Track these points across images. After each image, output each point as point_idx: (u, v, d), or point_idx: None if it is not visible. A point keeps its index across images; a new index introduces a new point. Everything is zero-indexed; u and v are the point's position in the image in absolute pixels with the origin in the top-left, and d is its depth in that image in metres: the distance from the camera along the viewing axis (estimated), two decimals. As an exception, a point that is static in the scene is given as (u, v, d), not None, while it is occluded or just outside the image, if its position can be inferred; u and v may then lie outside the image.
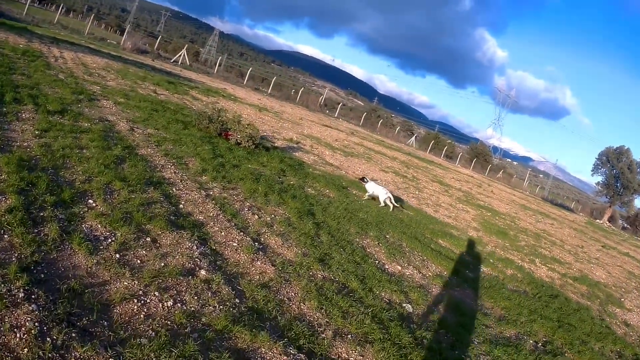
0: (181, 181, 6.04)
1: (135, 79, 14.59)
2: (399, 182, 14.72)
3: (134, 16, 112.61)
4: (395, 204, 9.68)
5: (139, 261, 3.66)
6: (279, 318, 3.59)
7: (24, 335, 2.49)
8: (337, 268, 5.04)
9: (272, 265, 4.50)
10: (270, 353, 3.12)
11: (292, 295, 4.07)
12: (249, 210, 5.92)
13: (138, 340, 2.77)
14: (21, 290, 2.81)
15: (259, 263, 4.45)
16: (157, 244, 4.06)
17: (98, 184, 4.79)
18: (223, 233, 4.85)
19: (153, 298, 3.23)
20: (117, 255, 3.61)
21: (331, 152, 15.04)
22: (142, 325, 2.93)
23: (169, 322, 3.05)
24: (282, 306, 3.81)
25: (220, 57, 49.89)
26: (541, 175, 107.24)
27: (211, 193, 6.01)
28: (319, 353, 3.37)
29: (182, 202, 5.31)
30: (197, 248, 4.22)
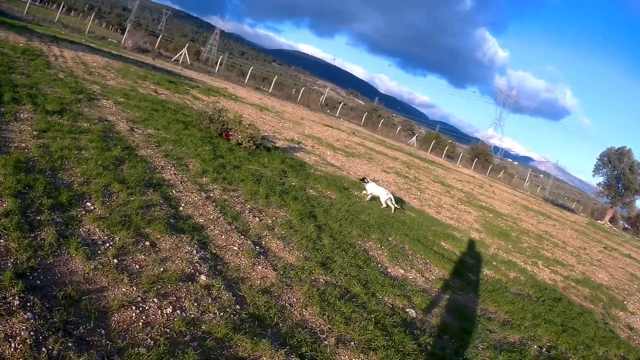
0: (181, 183, 5.97)
1: (136, 78, 14.51)
2: (400, 182, 14.65)
3: (135, 15, 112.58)
4: (396, 205, 9.61)
5: (137, 266, 3.59)
6: (281, 325, 3.52)
7: (18, 345, 2.41)
8: (340, 272, 4.97)
9: (274, 269, 4.43)
10: (271, 362, 3.05)
11: (293, 300, 4.00)
12: (249, 212, 5.84)
13: (136, 349, 2.69)
14: (16, 297, 2.74)
15: (260, 267, 4.37)
16: (157, 248, 3.98)
17: (96, 186, 4.71)
18: (223, 236, 4.78)
19: (152, 305, 3.16)
20: (115, 260, 3.54)
21: (332, 152, 14.96)
22: (140, 334, 2.85)
23: (168, 330, 2.97)
24: (283, 312, 3.73)
25: (221, 56, 49.83)
26: (542, 176, 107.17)
27: (211, 195, 5.94)
28: (322, 361, 3.29)
29: (182, 205, 5.23)
30: (197, 252, 4.15)
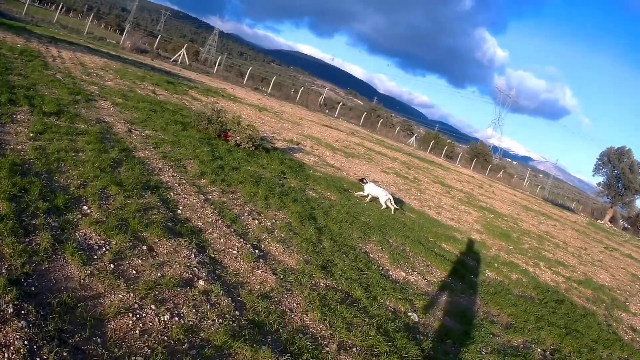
0: (179, 185, 5.89)
1: (134, 78, 14.43)
2: (400, 183, 14.58)
3: (133, 15, 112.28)
4: (396, 206, 9.54)
5: (134, 271, 3.51)
6: (281, 331, 3.44)
7: (12, 356, 2.34)
8: (340, 276, 4.89)
9: (273, 273, 4.35)
10: (272, 370, 2.98)
11: (294, 305, 3.92)
12: (249, 215, 5.77)
13: (133, 358, 2.62)
14: (10, 305, 2.67)
15: (259, 272, 4.29)
16: (154, 253, 3.91)
17: (93, 189, 4.64)
18: (222, 240, 4.70)
19: (149, 312, 3.08)
20: (112, 266, 3.46)
21: (332, 153, 14.89)
22: (137, 342, 2.78)
23: (165, 338, 2.90)
24: (284, 318, 3.66)
25: (219, 57, 49.70)
26: (541, 175, 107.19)
27: (210, 197, 5.86)
28: (323, 368, 3.22)
29: (180, 208, 5.15)
30: (195, 256, 4.07)
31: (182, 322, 3.11)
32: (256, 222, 5.61)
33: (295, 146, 13.28)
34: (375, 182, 10.88)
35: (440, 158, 45.00)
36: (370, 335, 3.80)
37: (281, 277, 4.34)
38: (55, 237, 3.55)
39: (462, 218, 12.40)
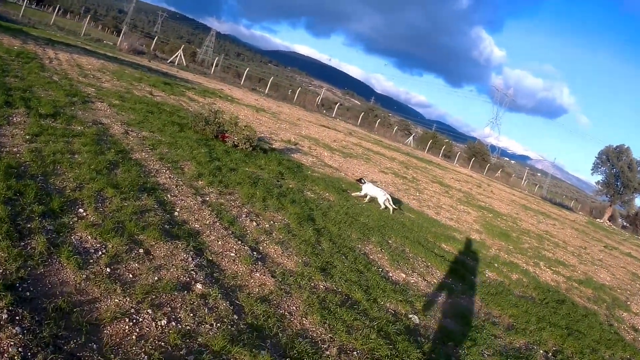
0: (176, 187, 5.83)
1: (131, 80, 14.36)
2: (398, 183, 14.54)
3: (130, 17, 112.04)
4: (394, 206, 9.50)
5: (131, 275, 3.46)
6: (280, 335, 3.39)
7: (5, 363, 2.29)
8: (340, 278, 4.84)
9: (272, 276, 4.30)
10: (271, 375, 2.93)
11: (293, 309, 3.87)
12: (246, 216, 5.71)
13: (129, 365, 2.57)
14: (5, 311, 2.61)
15: (258, 274, 4.24)
16: (151, 256, 3.85)
17: (89, 192, 4.58)
18: (220, 242, 4.65)
19: (146, 316, 3.03)
20: (108, 270, 3.40)
21: (330, 153, 14.85)
22: (134, 348, 2.73)
23: (162, 344, 2.84)
24: (283, 321, 3.60)
25: (217, 58, 49.64)
26: (539, 174, 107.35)
27: (207, 199, 5.81)
28: (323, 373, 3.17)
29: (177, 210, 5.10)
30: (192, 259, 4.02)
31: (180, 326, 3.06)
32: (254, 223, 5.56)
33: (293, 147, 13.23)
34: (373, 182, 10.83)
35: (438, 157, 45.00)
36: (370, 339, 3.75)
37: (280, 279, 4.29)
38: (51, 240, 3.49)
39: (461, 218, 12.37)
